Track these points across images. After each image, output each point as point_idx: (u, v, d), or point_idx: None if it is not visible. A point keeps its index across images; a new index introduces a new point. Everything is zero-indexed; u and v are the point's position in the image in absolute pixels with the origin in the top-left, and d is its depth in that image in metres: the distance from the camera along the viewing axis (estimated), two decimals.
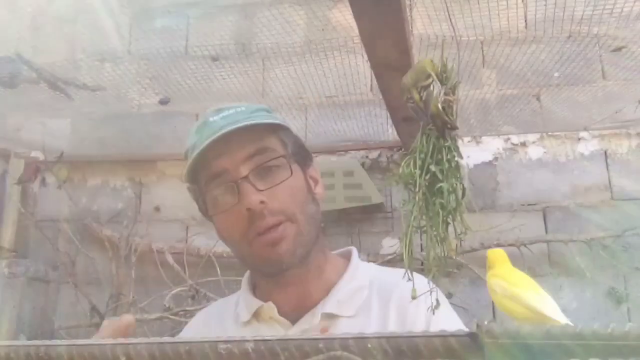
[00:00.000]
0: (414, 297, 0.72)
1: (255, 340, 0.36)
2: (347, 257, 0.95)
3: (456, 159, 0.96)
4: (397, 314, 0.83)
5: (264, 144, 0.83)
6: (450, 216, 0.93)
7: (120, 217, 2.65)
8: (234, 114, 0.84)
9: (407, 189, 0.96)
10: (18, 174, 2.65)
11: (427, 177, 0.93)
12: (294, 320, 0.85)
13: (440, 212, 0.91)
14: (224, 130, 0.79)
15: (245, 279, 0.97)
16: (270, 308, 0.86)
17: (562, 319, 1.39)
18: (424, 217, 0.94)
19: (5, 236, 2.59)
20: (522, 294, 1.43)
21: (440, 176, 0.92)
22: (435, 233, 0.92)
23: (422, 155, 0.95)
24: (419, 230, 0.98)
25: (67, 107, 2.42)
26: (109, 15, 2.29)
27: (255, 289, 0.94)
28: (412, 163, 0.95)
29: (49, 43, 2.37)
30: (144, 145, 2.59)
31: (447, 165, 0.94)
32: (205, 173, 0.83)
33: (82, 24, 2.42)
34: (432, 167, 0.93)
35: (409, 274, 0.88)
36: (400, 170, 0.97)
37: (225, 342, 0.36)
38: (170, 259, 2.44)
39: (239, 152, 0.81)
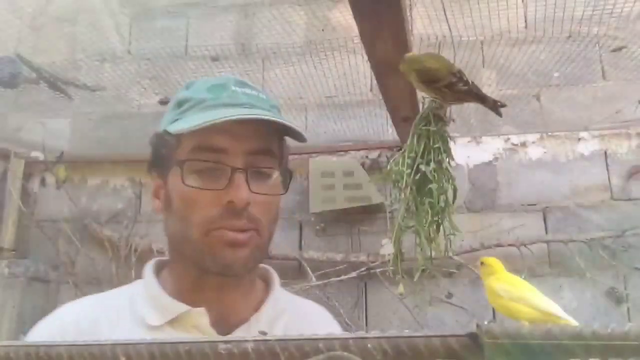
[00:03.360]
0: (401, 294, 0.74)
1: (255, 340, 0.36)
2: (264, 276, 0.88)
3: (447, 160, 0.96)
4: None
5: (270, 146, 0.78)
6: (439, 217, 0.93)
7: (120, 217, 2.65)
8: (256, 98, 0.78)
9: (395, 188, 0.96)
10: (18, 174, 2.66)
11: (416, 177, 0.93)
12: (222, 334, 0.75)
13: (430, 212, 0.91)
14: (251, 114, 0.73)
15: (150, 271, 0.82)
16: (201, 316, 0.75)
17: (569, 318, 1.41)
18: (412, 216, 0.94)
19: (5, 236, 2.59)
20: (530, 296, 1.45)
21: (430, 176, 0.92)
22: (423, 233, 0.92)
23: (413, 155, 0.95)
24: (408, 230, 0.98)
25: (67, 107, 2.42)
26: (109, 15, 2.29)
27: (166, 287, 0.80)
28: (400, 162, 0.95)
29: (49, 43, 2.37)
30: (144, 145, 2.59)
31: (437, 165, 0.94)
32: (199, 139, 0.74)
33: (82, 24, 2.42)
34: (423, 167, 0.92)
35: (400, 273, 0.87)
36: (389, 167, 0.97)
37: (225, 342, 0.36)
38: None
39: (246, 141, 0.75)
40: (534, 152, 2.44)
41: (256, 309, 0.80)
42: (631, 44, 1.93)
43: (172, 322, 0.76)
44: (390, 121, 2.04)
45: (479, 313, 2.23)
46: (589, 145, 2.41)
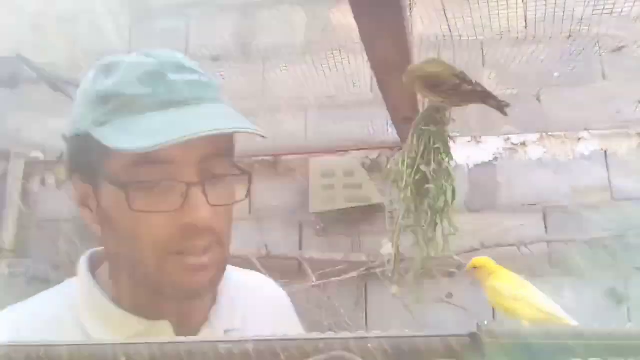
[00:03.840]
0: (394, 294, 0.74)
1: (255, 340, 0.36)
2: None
3: (447, 160, 0.96)
4: (272, 319, 0.79)
5: (222, 146, 0.65)
6: (438, 217, 0.93)
7: None
8: (199, 85, 0.64)
9: (395, 188, 0.96)
10: (18, 174, 2.66)
11: (416, 177, 0.93)
12: None
13: (429, 212, 0.91)
14: (206, 129, 0.58)
15: (88, 274, 0.68)
16: (165, 329, 0.66)
17: (569, 318, 1.41)
18: (411, 216, 0.94)
19: (5, 236, 2.59)
20: (531, 295, 1.45)
21: (429, 176, 0.92)
22: (422, 233, 0.92)
23: (412, 155, 0.95)
24: (406, 230, 0.98)
25: (67, 107, 2.41)
26: (109, 15, 2.29)
27: (114, 292, 0.67)
28: (400, 162, 0.95)
29: (49, 43, 2.38)
30: None
31: (436, 166, 0.94)
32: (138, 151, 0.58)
33: (82, 24, 2.42)
34: (423, 167, 0.93)
35: (398, 273, 0.88)
36: (388, 166, 0.97)
37: (225, 342, 0.36)
38: None
39: (197, 147, 0.61)
40: (534, 152, 2.44)
41: (212, 301, 0.72)
42: (631, 44, 1.93)
43: (132, 339, 0.63)
44: (390, 121, 2.04)
45: (479, 313, 2.22)
46: (589, 145, 2.41)
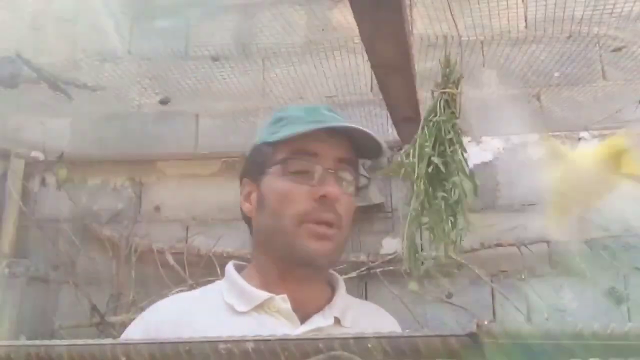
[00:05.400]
0: (413, 290, 0.81)
1: (255, 340, 0.36)
2: (332, 280, 1.02)
3: (460, 152, 0.95)
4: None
5: (353, 157, 0.93)
6: (452, 210, 0.91)
7: (120, 217, 2.64)
8: (345, 119, 0.96)
9: (406, 181, 0.95)
10: (18, 174, 2.66)
11: (428, 170, 0.91)
12: (301, 319, 0.87)
13: (442, 206, 0.90)
14: (346, 124, 0.89)
15: (232, 270, 0.95)
16: (284, 301, 0.87)
17: None
18: (424, 210, 0.92)
19: (5, 236, 2.59)
20: None
21: (443, 169, 0.91)
22: (438, 229, 0.91)
23: (424, 147, 0.93)
24: (419, 229, 0.96)
25: (67, 107, 2.42)
26: (109, 15, 2.29)
27: (250, 281, 0.92)
28: (411, 154, 0.93)
29: (49, 43, 2.37)
30: (144, 145, 2.59)
31: (450, 158, 0.92)
32: (296, 145, 0.88)
33: (82, 24, 2.42)
34: (435, 159, 0.91)
35: (411, 273, 0.88)
36: (399, 159, 0.96)
37: (225, 342, 0.36)
38: (170, 259, 2.44)
39: (336, 150, 0.90)
40: (534, 152, 2.44)
41: (327, 300, 0.92)
42: (631, 44, 1.93)
43: (257, 308, 0.87)
44: (390, 121, 2.03)
45: (479, 313, 2.22)
46: (589, 145, 2.40)
